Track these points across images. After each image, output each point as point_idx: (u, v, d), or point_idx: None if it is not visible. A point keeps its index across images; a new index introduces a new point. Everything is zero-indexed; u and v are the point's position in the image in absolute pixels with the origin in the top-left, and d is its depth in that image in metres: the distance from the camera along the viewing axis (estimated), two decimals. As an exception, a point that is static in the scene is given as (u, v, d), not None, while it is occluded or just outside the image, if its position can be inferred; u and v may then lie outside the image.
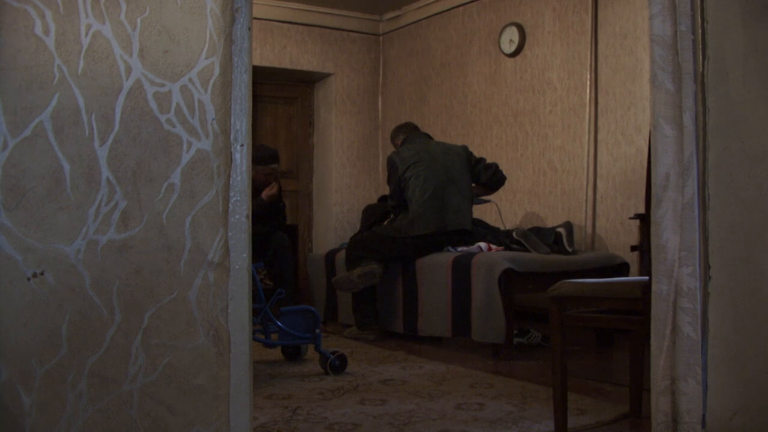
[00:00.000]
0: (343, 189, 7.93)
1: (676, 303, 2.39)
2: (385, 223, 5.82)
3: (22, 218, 1.90)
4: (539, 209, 6.33)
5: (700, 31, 2.39)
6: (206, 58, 2.06)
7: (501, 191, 5.96)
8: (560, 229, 5.29)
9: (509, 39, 6.55)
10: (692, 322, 2.36)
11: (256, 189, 5.30)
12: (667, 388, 2.41)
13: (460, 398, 3.59)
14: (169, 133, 2.04)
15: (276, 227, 5.71)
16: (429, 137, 5.88)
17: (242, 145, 2.12)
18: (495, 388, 3.81)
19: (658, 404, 2.42)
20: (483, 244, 5.20)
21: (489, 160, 5.75)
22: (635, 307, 2.79)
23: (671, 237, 2.40)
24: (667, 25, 2.40)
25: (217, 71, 2.07)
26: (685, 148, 2.37)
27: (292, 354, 4.67)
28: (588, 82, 5.89)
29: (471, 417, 3.25)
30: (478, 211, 6.17)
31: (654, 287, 2.44)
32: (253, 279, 4.02)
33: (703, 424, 2.36)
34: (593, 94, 5.87)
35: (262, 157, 5.36)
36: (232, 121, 2.09)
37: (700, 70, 2.39)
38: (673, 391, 2.40)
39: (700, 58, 2.39)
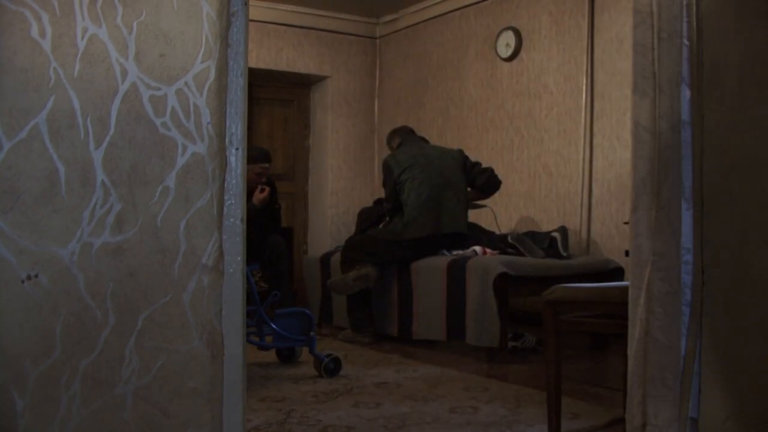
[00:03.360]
0: (338, 191, 7.93)
1: (647, 307, 2.40)
2: (381, 226, 5.83)
3: (17, 220, 1.90)
4: (534, 213, 6.34)
5: (695, 37, 2.40)
6: (202, 62, 2.06)
7: (496, 195, 5.97)
8: (555, 234, 5.31)
9: (506, 43, 6.56)
10: (662, 326, 2.37)
11: (248, 189, 5.30)
12: (639, 391, 2.43)
13: (455, 401, 3.60)
14: (165, 136, 2.04)
15: (271, 230, 5.71)
16: (425, 141, 5.89)
17: (237, 149, 2.12)
18: (489, 392, 3.81)
19: (632, 407, 2.44)
20: (478, 248, 5.21)
21: (485, 164, 5.76)
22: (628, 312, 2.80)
23: (644, 242, 2.43)
24: (648, 34, 2.43)
25: (212, 75, 2.07)
26: (662, 154, 2.38)
27: (287, 356, 4.67)
28: (584, 87, 5.90)
29: (465, 420, 3.26)
30: (473, 215, 6.18)
31: (629, 291, 2.47)
32: (248, 281, 4.02)
33: (696, 429, 2.37)
34: (589, 99, 5.88)
35: (252, 156, 5.35)
36: (227, 124, 2.10)
37: (696, 75, 2.40)
38: (643, 394, 2.42)
39: (695, 63, 2.40)
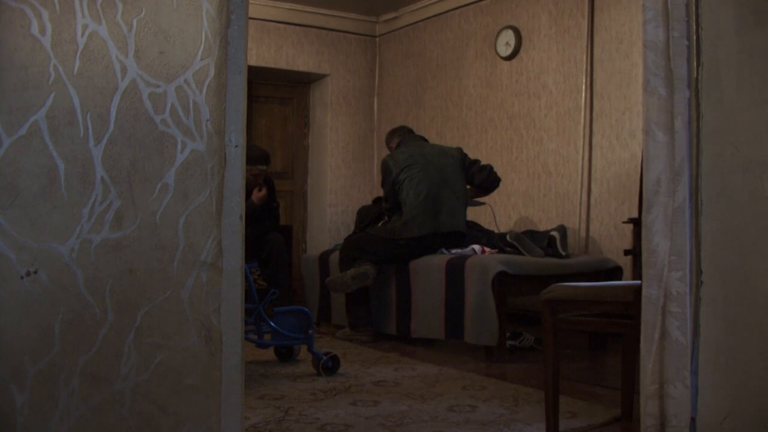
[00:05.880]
0: (337, 190, 7.94)
1: (665, 307, 2.40)
2: (380, 224, 5.83)
3: (17, 217, 1.90)
4: (533, 212, 6.35)
5: (694, 37, 2.40)
6: (201, 60, 2.07)
7: (495, 194, 5.96)
8: (554, 233, 5.31)
9: (505, 42, 6.57)
10: (681, 326, 2.37)
11: (246, 188, 5.32)
12: (655, 392, 2.42)
13: (453, 400, 3.60)
14: (164, 133, 2.04)
15: (269, 228, 5.71)
16: (424, 140, 5.89)
17: (236, 146, 2.13)
18: (487, 391, 3.82)
19: (647, 408, 2.43)
20: (477, 247, 5.21)
21: (484, 163, 5.76)
22: (628, 311, 2.80)
23: (661, 241, 2.41)
24: (660, 31, 2.42)
25: (212, 72, 2.08)
26: (677, 154, 2.38)
27: (285, 354, 4.67)
28: (583, 86, 5.90)
29: (463, 419, 3.26)
30: (472, 214, 6.18)
31: (644, 291, 2.45)
32: (246, 279, 4.02)
33: (693, 428, 2.37)
34: (588, 98, 5.89)
35: (250, 157, 5.36)
36: (226, 122, 2.10)
37: (694, 75, 2.40)
38: (661, 395, 2.41)
39: (694, 63, 2.40)
